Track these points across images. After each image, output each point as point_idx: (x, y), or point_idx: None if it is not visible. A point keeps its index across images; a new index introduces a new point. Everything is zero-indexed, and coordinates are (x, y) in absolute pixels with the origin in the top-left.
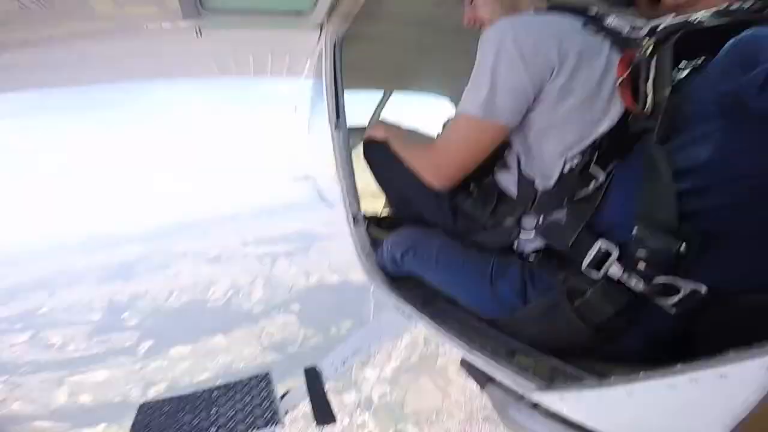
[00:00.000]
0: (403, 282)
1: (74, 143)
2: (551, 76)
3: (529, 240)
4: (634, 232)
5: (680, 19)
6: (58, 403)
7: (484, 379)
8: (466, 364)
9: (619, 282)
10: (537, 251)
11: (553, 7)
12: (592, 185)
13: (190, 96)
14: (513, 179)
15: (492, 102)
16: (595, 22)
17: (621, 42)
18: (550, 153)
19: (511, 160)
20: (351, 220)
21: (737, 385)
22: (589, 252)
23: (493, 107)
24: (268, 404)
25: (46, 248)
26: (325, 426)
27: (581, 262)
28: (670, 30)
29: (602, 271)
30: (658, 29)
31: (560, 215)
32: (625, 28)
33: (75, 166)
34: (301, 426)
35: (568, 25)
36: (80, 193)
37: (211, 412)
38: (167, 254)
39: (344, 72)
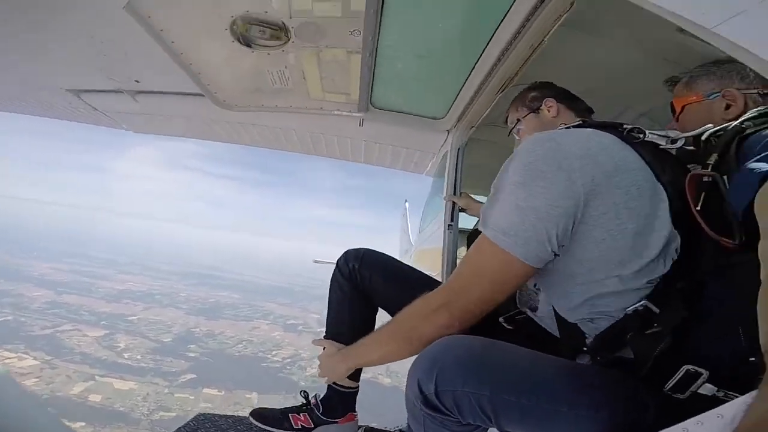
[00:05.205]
0: None
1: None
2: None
3: None
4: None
5: (723, 125)
6: (68, 394)
7: None
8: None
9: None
10: None
11: (585, 124)
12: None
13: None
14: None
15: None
16: (629, 136)
17: (668, 159)
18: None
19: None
20: None
21: None
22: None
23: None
24: None
25: (166, 269)
26: None
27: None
28: (727, 139)
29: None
30: (706, 138)
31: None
32: (661, 141)
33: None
34: None
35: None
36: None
37: None
38: (255, 309)
39: (464, 175)
